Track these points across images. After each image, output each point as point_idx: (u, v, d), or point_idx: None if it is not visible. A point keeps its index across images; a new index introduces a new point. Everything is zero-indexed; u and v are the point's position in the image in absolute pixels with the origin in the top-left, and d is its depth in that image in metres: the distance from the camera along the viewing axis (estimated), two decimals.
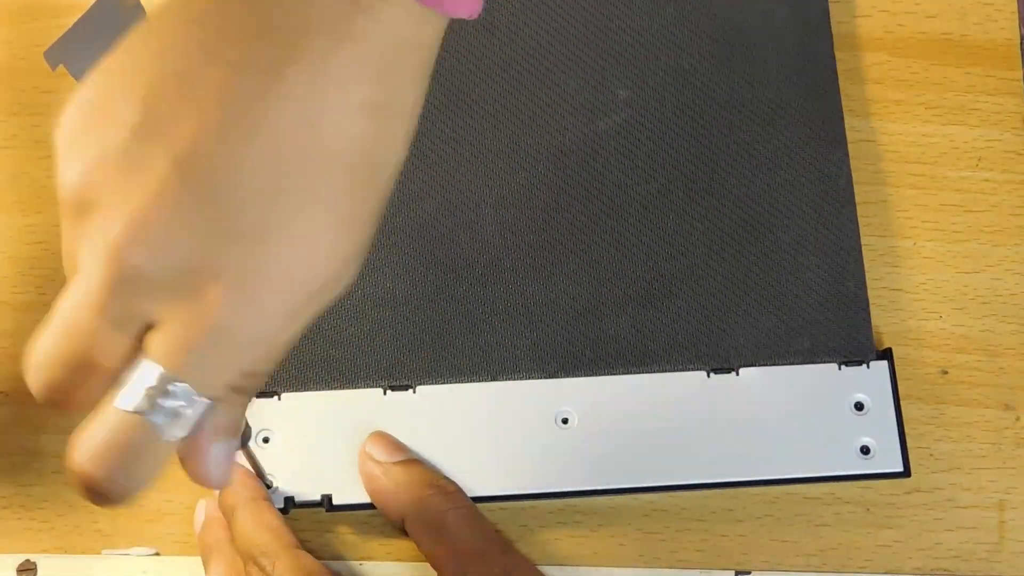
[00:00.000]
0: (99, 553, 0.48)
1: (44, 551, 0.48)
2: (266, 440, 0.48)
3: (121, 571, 0.48)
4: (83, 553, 0.48)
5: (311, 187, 0.31)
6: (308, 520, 0.49)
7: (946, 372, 0.51)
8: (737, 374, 0.50)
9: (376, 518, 0.49)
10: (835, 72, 0.53)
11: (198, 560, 0.48)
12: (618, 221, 0.51)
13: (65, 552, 0.48)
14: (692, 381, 0.49)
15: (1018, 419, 0.51)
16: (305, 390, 0.49)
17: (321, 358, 0.49)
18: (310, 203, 0.32)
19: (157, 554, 0.48)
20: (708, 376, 0.50)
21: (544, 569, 0.49)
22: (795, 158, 0.52)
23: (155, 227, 0.30)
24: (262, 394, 0.48)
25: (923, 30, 0.55)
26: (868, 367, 0.50)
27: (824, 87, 0.53)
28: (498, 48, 0.53)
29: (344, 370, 0.49)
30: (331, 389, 0.49)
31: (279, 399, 0.48)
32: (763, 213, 0.51)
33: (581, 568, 0.49)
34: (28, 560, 0.48)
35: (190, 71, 0.31)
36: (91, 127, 0.32)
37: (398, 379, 0.49)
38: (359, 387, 0.49)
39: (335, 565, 0.48)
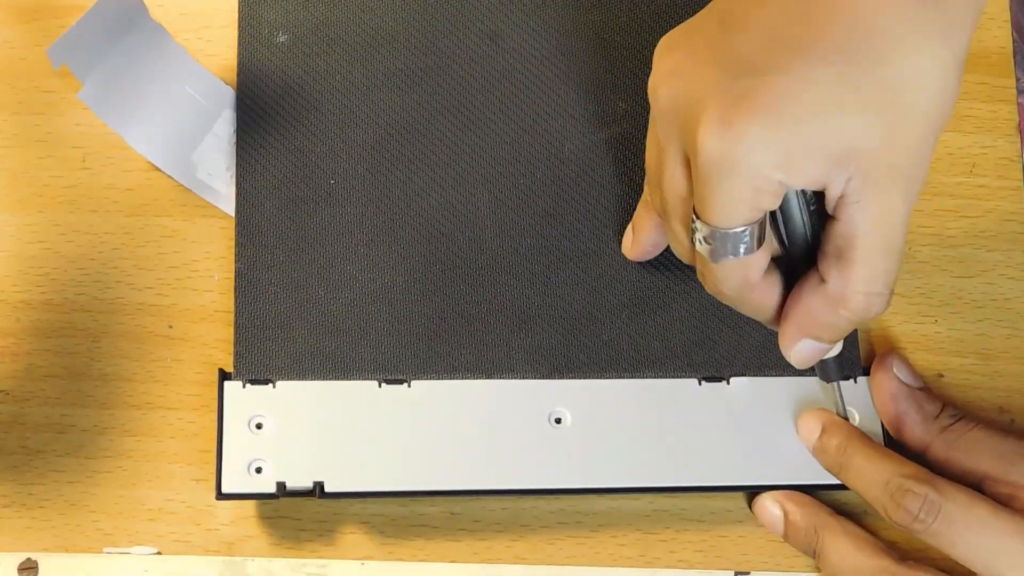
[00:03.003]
0: (100, 552, 0.48)
1: (45, 550, 0.48)
2: (259, 426, 0.48)
3: (122, 570, 0.48)
4: (84, 552, 0.48)
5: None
6: (310, 519, 0.49)
7: (942, 375, 0.52)
8: (728, 383, 0.50)
9: (377, 517, 0.49)
10: None
11: (198, 559, 0.48)
12: (615, 229, 0.52)
13: (66, 551, 0.48)
14: (684, 388, 0.50)
15: (1013, 421, 0.51)
16: (300, 379, 0.49)
17: (317, 349, 0.49)
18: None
19: (158, 553, 0.48)
20: (700, 384, 0.50)
21: (544, 569, 0.49)
22: None
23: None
24: (255, 381, 0.48)
25: None
26: (855, 382, 0.50)
27: None
28: (501, 57, 0.53)
29: (340, 361, 0.49)
30: (326, 379, 0.49)
31: (274, 387, 0.48)
32: None
33: (581, 568, 0.49)
34: (29, 559, 0.48)
35: None
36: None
37: (393, 373, 0.49)
38: (354, 379, 0.49)
39: (336, 564, 0.48)
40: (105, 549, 0.48)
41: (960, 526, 0.44)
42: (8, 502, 0.48)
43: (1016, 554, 0.43)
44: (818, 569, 0.49)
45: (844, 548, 0.47)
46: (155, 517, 0.48)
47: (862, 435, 0.48)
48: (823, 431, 0.49)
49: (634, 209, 0.51)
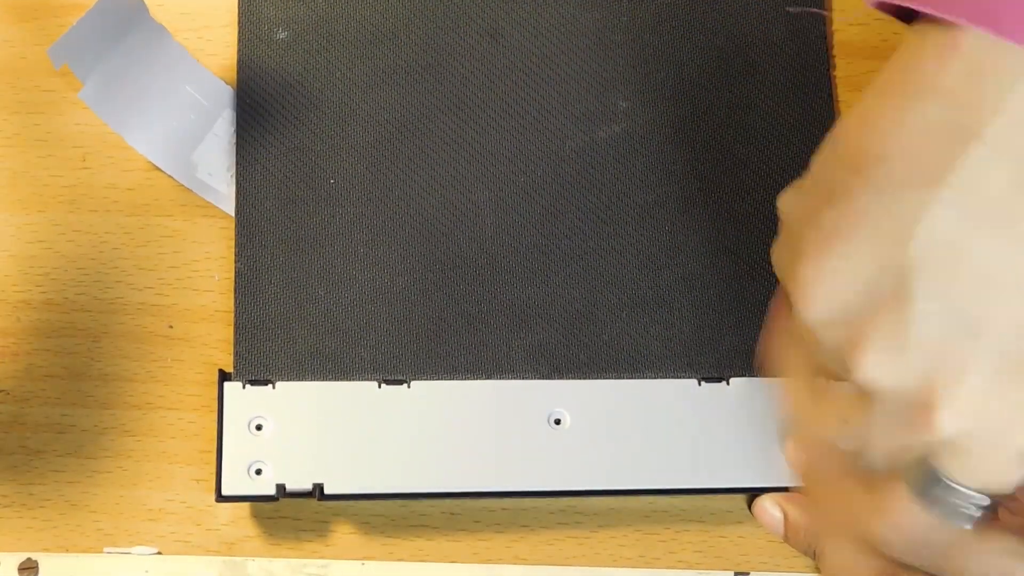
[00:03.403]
0: (100, 552, 0.48)
1: (45, 550, 0.48)
2: (259, 427, 0.48)
3: (122, 570, 0.48)
4: (84, 552, 0.48)
5: None
6: (310, 520, 0.49)
7: None
8: (728, 384, 0.50)
9: (378, 517, 0.49)
10: (830, 91, 0.54)
11: (199, 559, 0.48)
12: (615, 228, 0.52)
13: (66, 551, 0.48)
14: (683, 389, 0.50)
15: None
16: (300, 380, 0.49)
17: (317, 349, 0.49)
18: None
19: (159, 553, 0.48)
20: (699, 384, 0.50)
21: (544, 569, 0.49)
22: (788, 176, 0.52)
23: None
24: (255, 382, 0.48)
25: None
26: None
27: (819, 106, 0.54)
28: (502, 54, 0.53)
29: (339, 362, 0.49)
30: (326, 380, 0.49)
31: (273, 387, 0.48)
32: (758, 227, 0.52)
33: (581, 568, 0.49)
34: (29, 559, 0.48)
35: None
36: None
37: (393, 373, 0.49)
38: (354, 379, 0.49)
39: (336, 564, 0.48)
40: (105, 549, 0.48)
41: None
42: (8, 502, 0.48)
43: None
44: (818, 570, 0.49)
45: (844, 549, 0.47)
46: (155, 517, 0.49)
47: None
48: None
49: (633, 207, 0.51)
